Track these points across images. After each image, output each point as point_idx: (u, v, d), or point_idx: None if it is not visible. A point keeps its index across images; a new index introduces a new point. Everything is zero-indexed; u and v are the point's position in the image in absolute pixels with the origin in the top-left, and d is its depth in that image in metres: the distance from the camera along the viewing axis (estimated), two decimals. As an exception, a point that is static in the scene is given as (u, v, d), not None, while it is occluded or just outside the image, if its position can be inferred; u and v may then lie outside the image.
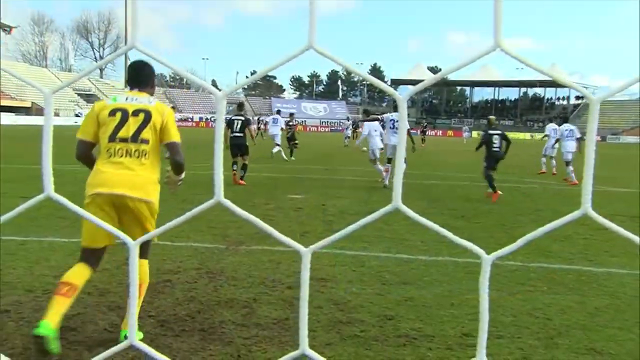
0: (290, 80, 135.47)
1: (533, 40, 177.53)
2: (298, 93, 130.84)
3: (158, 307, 4.82)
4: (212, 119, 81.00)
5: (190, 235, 7.23)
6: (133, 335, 0.69)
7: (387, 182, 13.77)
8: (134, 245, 0.67)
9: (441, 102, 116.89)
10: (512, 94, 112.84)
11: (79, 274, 3.78)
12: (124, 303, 4.31)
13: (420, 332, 4.46)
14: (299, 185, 13.85)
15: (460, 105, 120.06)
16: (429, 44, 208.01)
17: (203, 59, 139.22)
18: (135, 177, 3.80)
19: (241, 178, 13.65)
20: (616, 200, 12.87)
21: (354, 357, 3.97)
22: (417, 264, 6.51)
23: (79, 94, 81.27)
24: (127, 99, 3.99)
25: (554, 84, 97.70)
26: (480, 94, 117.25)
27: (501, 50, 0.55)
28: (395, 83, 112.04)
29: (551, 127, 18.75)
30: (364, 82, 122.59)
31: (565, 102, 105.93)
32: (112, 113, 3.89)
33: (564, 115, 36.12)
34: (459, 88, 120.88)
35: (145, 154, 3.88)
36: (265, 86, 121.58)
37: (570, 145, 17.12)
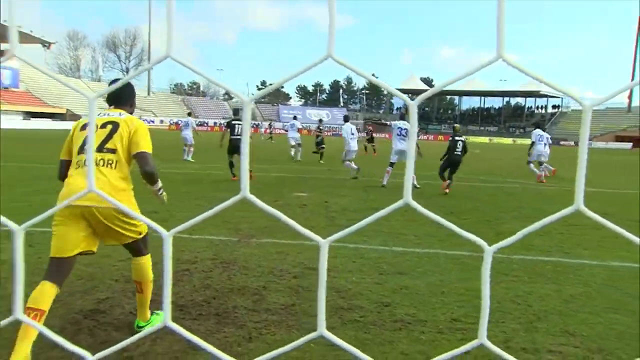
0: (296, 89, 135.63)
1: (518, 55, 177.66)
2: (303, 101, 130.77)
3: (177, 293, 4.83)
4: (224, 123, 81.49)
5: (207, 229, 7.24)
6: (168, 316, 0.69)
7: (385, 183, 13.77)
8: (167, 236, 0.67)
9: (432, 110, 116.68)
10: (496, 102, 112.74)
11: (44, 298, 3.37)
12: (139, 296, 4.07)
13: (414, 317, 4.46)
14: (304, 184, 13.84)
15: (450, 112, 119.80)
16: (420, 57, 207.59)
17: (217, 70, 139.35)
18: (99, 186, 3.39)
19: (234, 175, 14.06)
20: (590, 200, 12.83)
21: (354, 340, 3.96)
22: (411, 256, 6.51)
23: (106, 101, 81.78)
24: (99, 114, 3.75)
25: (533, 94, 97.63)
26: (468, 103, 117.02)
27: (503, 60, 0.55)
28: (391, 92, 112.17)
29: (537, 133, 18.39)
30: (363, 91, 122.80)
31: (543, 111, 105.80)
32: (83, 127, 3.69)
33: (536, 122, 35.91)
34: (448, 97, 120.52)
35: (111, 164, 3.56)
36: (274, 94, 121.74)
37: (542, 149, 17.50)
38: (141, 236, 3.78)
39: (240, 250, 6.48)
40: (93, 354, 0.80)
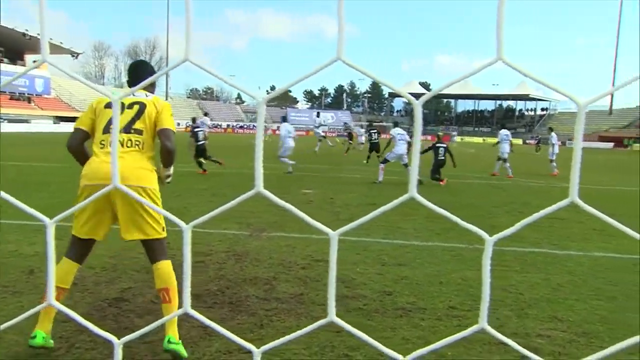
0: (303, 93, 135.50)
1: (503, 63, 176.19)
2: (310, 104, 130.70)
3: (193, 283, 4.82)
4: (238, 125, 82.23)
5: (220, 224, 7.24)
6: (187, 304, 0.69)
7: (380, 179, 13.86)
8: (187, 229, 0.67)
9: (430, 112, 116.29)
10: (489, 105, 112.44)
11: (66, 277, 3.32)
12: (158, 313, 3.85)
13: (414, 305, 4.45)
14: (311, 182, 13.83)
15: (446, 114, 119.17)
16: (419, 63, 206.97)
17: (230, 75, 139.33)
18: (126, 167, 3.15)
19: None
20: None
21: (358, 326, 3.95)
22: (411, 248, 6.49)
23: None
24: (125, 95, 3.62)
25: (523, 97, 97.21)
26: (463, 105, 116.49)
27: (503, 62, 0.54)
28: (392, 96, 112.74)
29: (503, 132, 19.04)
30: (365, 95, 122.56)
31: (532, 113, 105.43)
32: (108, 105, 3.40)
33: (502, 123, 35.62)
34: (445, 100, 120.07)
35: (138, 144, 3.31)
36: (282, 97, 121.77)
37: (506, 147, 18.14)
38: (162, 235, 3.41)
39: (251, 243, 6.49)
40: (118, 339, 0.80)
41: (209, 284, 4.88)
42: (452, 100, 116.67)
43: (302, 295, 4.62)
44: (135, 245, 5.52)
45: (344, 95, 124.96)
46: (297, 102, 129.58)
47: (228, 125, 78.24)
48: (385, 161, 14.22)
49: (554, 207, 0.61)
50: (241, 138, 51.49)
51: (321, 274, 5.24)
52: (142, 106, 3.39)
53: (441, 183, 13.93)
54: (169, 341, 3.25)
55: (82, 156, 3.46)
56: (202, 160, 15.15)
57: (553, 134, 20.35)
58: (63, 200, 8.85)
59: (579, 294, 4.92)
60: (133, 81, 3.60)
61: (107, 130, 3.31)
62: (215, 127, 73.51)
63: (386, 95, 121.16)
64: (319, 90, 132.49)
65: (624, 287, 5.18)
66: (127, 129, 3.32)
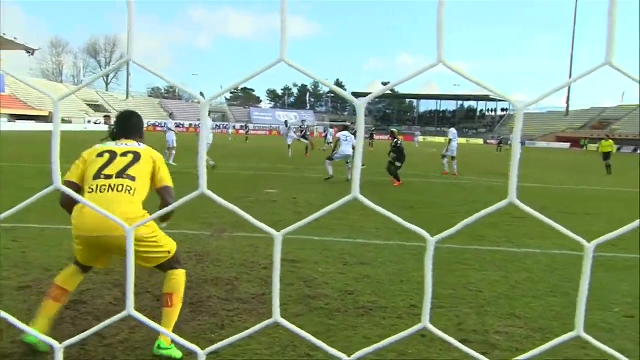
0: (267, 93, 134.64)
1: (464, 62, 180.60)
2: (273, 103, 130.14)
3: (154, 284, 4.75)
4: (199, 124, 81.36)
5: (181, 224, 7.14)
6: (130, 305, 0.67)
7: (331, 174, 14.54)
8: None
9: (393, 112, 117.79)
10: (451, 106, 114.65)
11: (72, 280, 3.40)
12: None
13: (375, 304, 4.48)
14: (275, 182, 13.79)
15: (409, 114, 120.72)
16: (382, 63, 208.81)
17: (193, 75, 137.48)
18: (120, 212, 3.08)
19: None
20: (532, 195, 13.13)
21: (320, 325, 3.96)
22: (372, 248, 6.54)
23: (88, 105, 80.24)
24: (116, 144, 3.50)
25: (485, 98, 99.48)
26: (426, 106, 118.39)
27: (444, 65, 0.55)
28: (355, 95, 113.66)
29: (453, 131, 19.61)
30: (329, 95, 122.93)
31: (493, 114, 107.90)
32: (100, 154, 3.39)
33: (452, 122, 36.35)
34: (408, 100, 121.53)
35: (130, 190, 3.25)
36: (246, 97, 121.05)
37: (455, 146, 18.57)
38: (171, 255, 3.44)
39: (213, 243, 6.42)
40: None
41: (169, 285, 4.80)
42: (415, 101, 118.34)
43: (264, 295, 4.60)
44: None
45: (307, 95, 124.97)
46: (261, 101, 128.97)
47: (190, 124, 77.23)
48: (331, 159, 14.77)
49: (493, 208, 0.62)
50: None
51: (283, 273, 5.23)
52: (137, 155, 3.41)
53: (396, 183, 14.15)
54: (159, 347, 3.26)
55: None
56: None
57: (512, 135, 20.94)
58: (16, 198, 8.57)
59: (536, 290, 5.06)
60: (122, 131, 3.64)
61: (97, 176, 3.28)
62: (178, 126, 72.55)
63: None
64: (282, 90, 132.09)
65: (577, 283, 5.32)
66: (121, 174, 3.29)
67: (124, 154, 3.40)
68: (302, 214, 8.76)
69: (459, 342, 0.72)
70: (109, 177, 3.25)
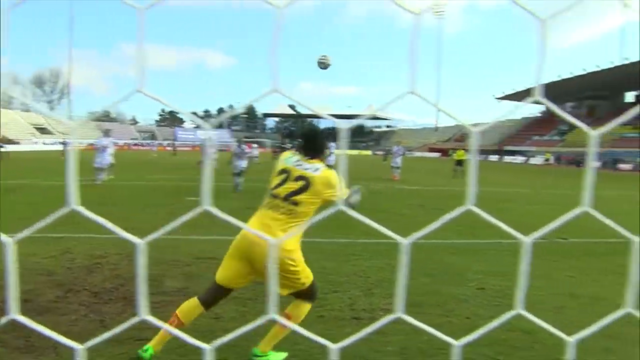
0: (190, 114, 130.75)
1: (356, 88, 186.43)
2: (194, 124, 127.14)
3: (91, 282, 4.70)
4: (133, 143, 79.11)
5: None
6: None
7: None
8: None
9: (297, 130, 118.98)
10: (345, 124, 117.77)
11: (190, 313, 3.10)
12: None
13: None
14: (199, 191, 13.43)
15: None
16: (286, 89, 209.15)
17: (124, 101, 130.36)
18: (272, 234, 2.82)
19: None
20: (414, 195, 13.81)
21: (235, 312, 3.99)
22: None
23: (35, 127, 75.10)
24: (297, 161, 3.11)
25: (373, 117, 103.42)
26: (325, 123, 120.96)
27: (414, 94, 0.65)
28: (265, 116, 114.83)
29: (396, 147, 21.82)
30: (243, 115, 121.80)
31: (379, 129, 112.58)
32: (280, 172, 3.10)
33: (397, 140, 37.82)
34: (309, 119, 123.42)
35: (293, 214, 2.96)
36: (171, 119, 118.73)
37: (399, 159, 21.03)
38: (305, 287, 3.07)
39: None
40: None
41: (105, 282, 4.73)
42: (315, 120, 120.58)
43: (187, 289, 4.56)
44: (39, 250, 5.51)
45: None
46: (184, 122, 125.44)
47: (125, 143, 75.19)
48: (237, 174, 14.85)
49: (456, 211, 0.73)
50: (137, 154, 49.60)
51: (205, 270, 5.18)
52: (307, 183, 3.01)
53: None
54: (254, 355, 3.14)
55: None
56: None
57: (395, 147, 22.31)
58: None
59: (412, 272, 5.37)
60: (307, 151, 3.18)
61: (270, 193, 3.04)
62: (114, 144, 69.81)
63: (259, 115, 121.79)
64: (203, 111, 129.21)
65: (440, 264, 5.78)
66: (287, 197, 2.99)
67: (297, 179, 3.04)
68: (216, 220, 8.64)
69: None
70: (276, 196, 3.01)
